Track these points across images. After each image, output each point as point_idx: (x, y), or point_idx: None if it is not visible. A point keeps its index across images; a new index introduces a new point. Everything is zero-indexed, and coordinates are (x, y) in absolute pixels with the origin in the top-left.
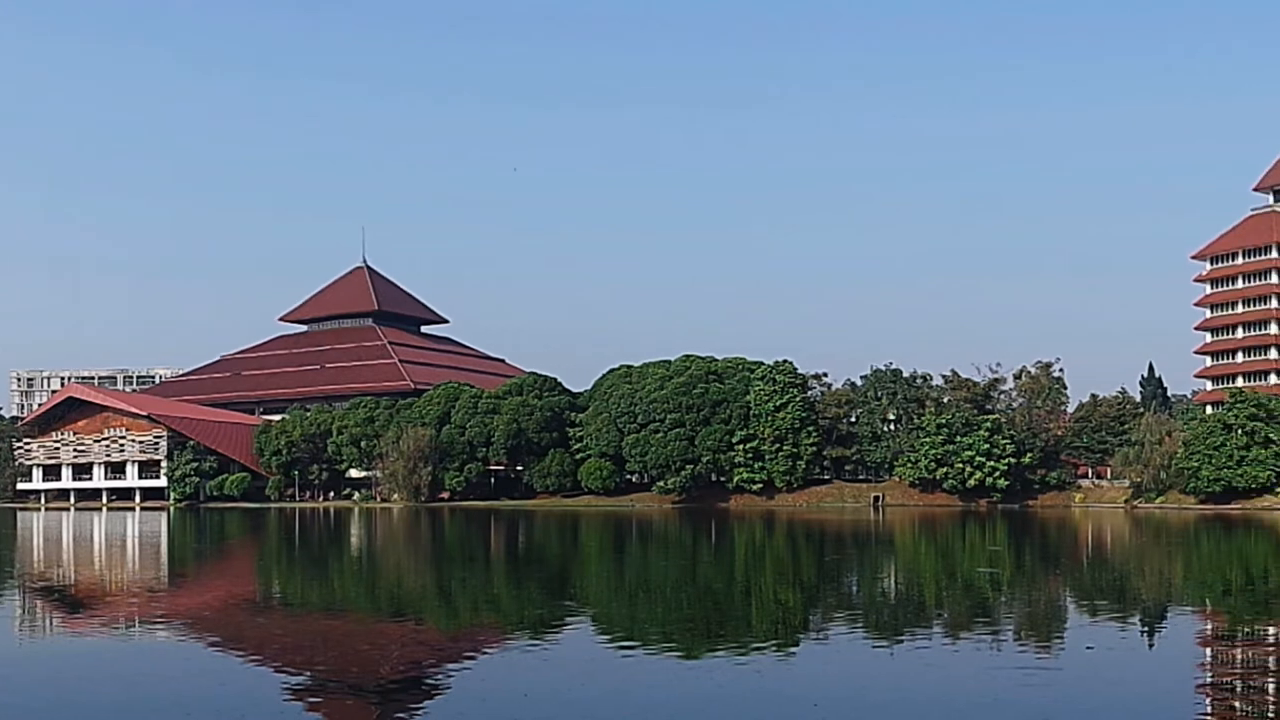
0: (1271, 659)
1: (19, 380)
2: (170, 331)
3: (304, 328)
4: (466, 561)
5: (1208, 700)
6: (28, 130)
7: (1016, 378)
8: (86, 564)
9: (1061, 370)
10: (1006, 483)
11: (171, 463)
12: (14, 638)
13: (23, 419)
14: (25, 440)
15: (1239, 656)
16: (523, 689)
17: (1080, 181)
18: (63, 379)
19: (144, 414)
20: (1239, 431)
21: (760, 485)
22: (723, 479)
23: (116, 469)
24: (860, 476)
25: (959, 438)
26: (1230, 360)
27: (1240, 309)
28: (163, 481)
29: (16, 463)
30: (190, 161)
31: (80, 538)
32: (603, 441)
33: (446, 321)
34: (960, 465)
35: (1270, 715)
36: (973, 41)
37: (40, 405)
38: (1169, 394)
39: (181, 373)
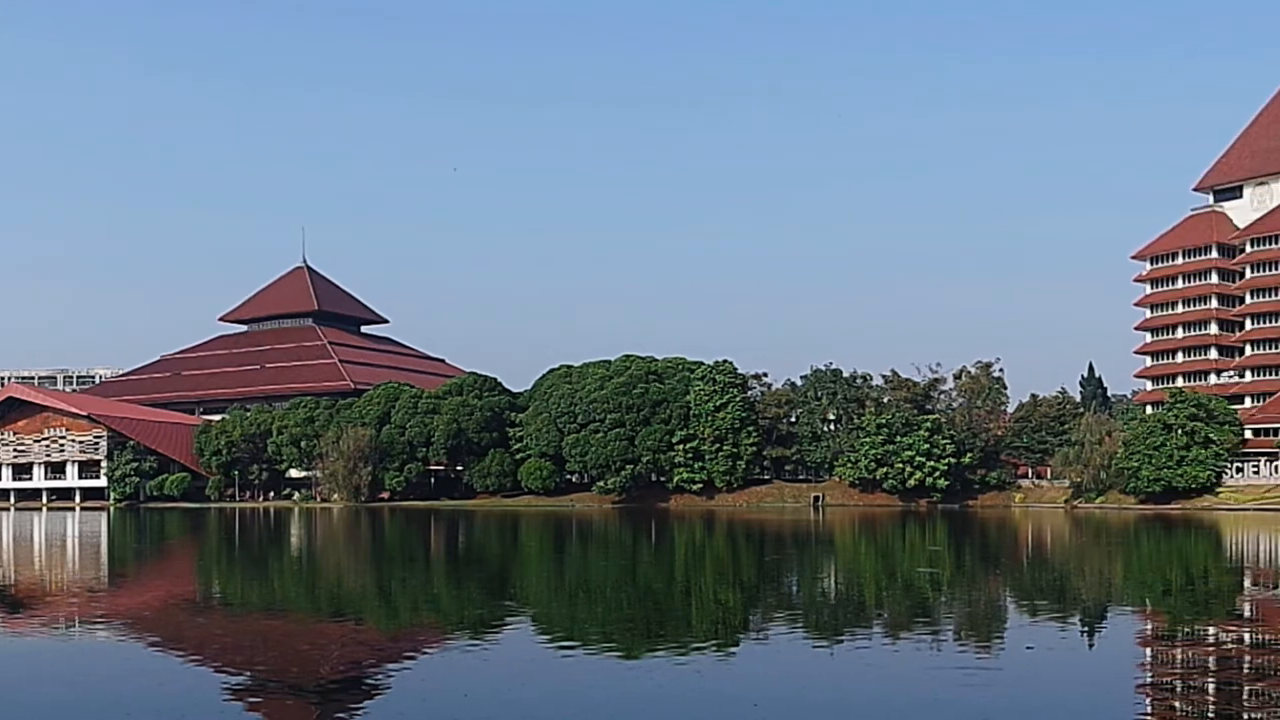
0: (1211, 659)
1: None
2: (110, 331)
3: (244, 328)
4: (406, 561)
5: (1148, 700)
6: None
7: (956, 378)
8: (26, 564)
9: (1001, 370)
10: (946, 483)
11: (111, 463)
12: None
13: None
14: None
15: (1179, 656)
16: (463, 689)
17: (1020, 181)
18: (2, 379)
19: (84, 414)
20: (1179, 431)
21: (700, 485)
22: (663, 479)
23: (56, 469)
24: (800, 476)
25: (899, 438)
26: (1170, 360)
27: (1180, 309)
28: (103, 482)
29: None
30: (129, 161)
31: (20, 538)
32: (543, 441)
33: (386, 321)
34: (900, 465)
35: (1210, 715)
36: (913, 42)
37: None
38: (1109, 394)
39: (122, 373)
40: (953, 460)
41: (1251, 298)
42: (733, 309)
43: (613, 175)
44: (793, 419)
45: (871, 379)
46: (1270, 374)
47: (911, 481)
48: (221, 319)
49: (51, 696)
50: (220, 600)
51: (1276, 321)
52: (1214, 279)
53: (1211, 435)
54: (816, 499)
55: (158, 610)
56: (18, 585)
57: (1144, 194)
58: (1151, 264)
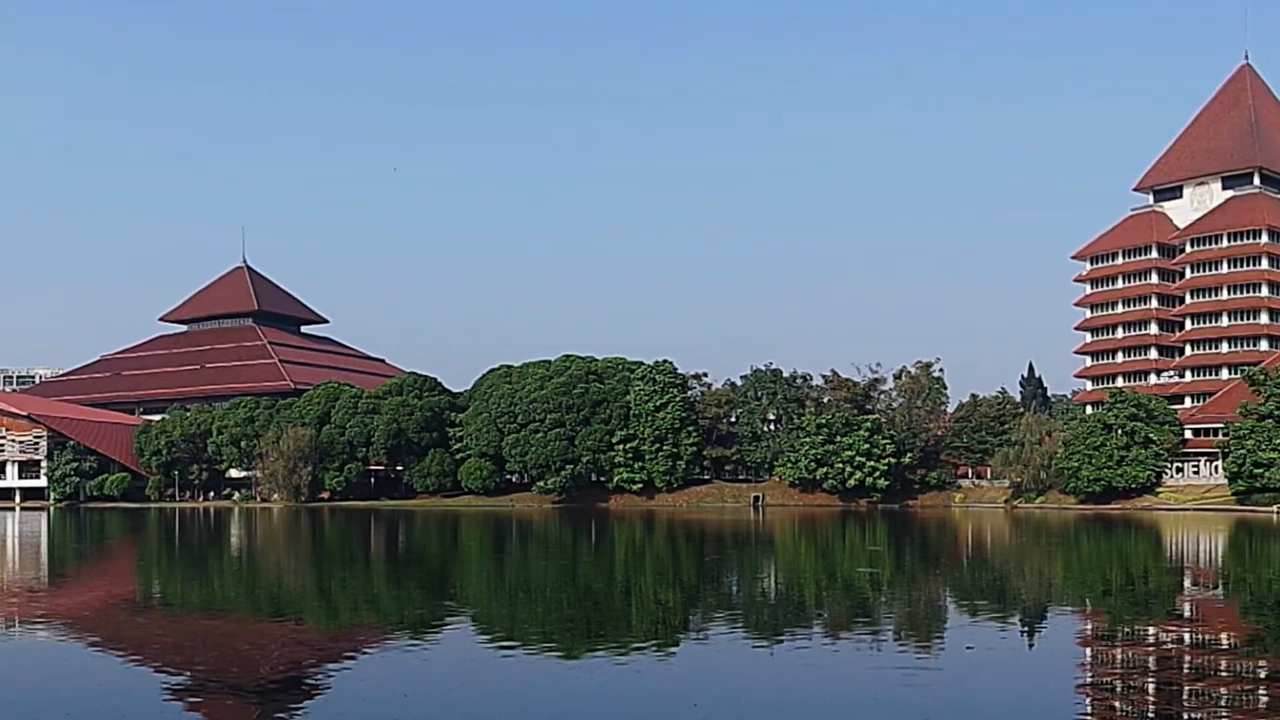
0: (1151, 659)
1: None
2: (50, 332)
3: (184, 328)
4: (346, 562)
5: (1088, 700)
6: None
7: (896, 378)
8: None
9: (941, 370)
10: (886, 483)
11: (51, 463)
12: None
13: None
14: None
15: (1119, 656)
16: (402, 689)
17: (961, 180)
18: None
19: (24, 414)
20: (1119, 431)
21: (640, 485)
22: (603, 479)
23: None
24: (740, 476)
25: (839, 438)
26: (1110, 360)
27: (1120, 309)
28: (43, 481)
29: None
30: (67, 161)
31: None
32: (483, 441)
33: (326, 321)
34: (840, 465)
35: (1150, 715)
36: (851, 41)
37: None
38: (1049, 394)
39: (61, 373)
40: (893, 460)
41: (1191, 298)
42: (673, 309)
43: (552, 175)
44: (733, 419)
45: (811, 379)
46: (1210, 374)
47: (851, 481)
48: (161, 319)
49: None
50: (160, 600)
51: (1216, 322)
52: (1154, 279)
53: (1151, 435)
54: (756, 499)
55: (98, 610)
56: None
57: (1084, 194)
58: (1091, 264)
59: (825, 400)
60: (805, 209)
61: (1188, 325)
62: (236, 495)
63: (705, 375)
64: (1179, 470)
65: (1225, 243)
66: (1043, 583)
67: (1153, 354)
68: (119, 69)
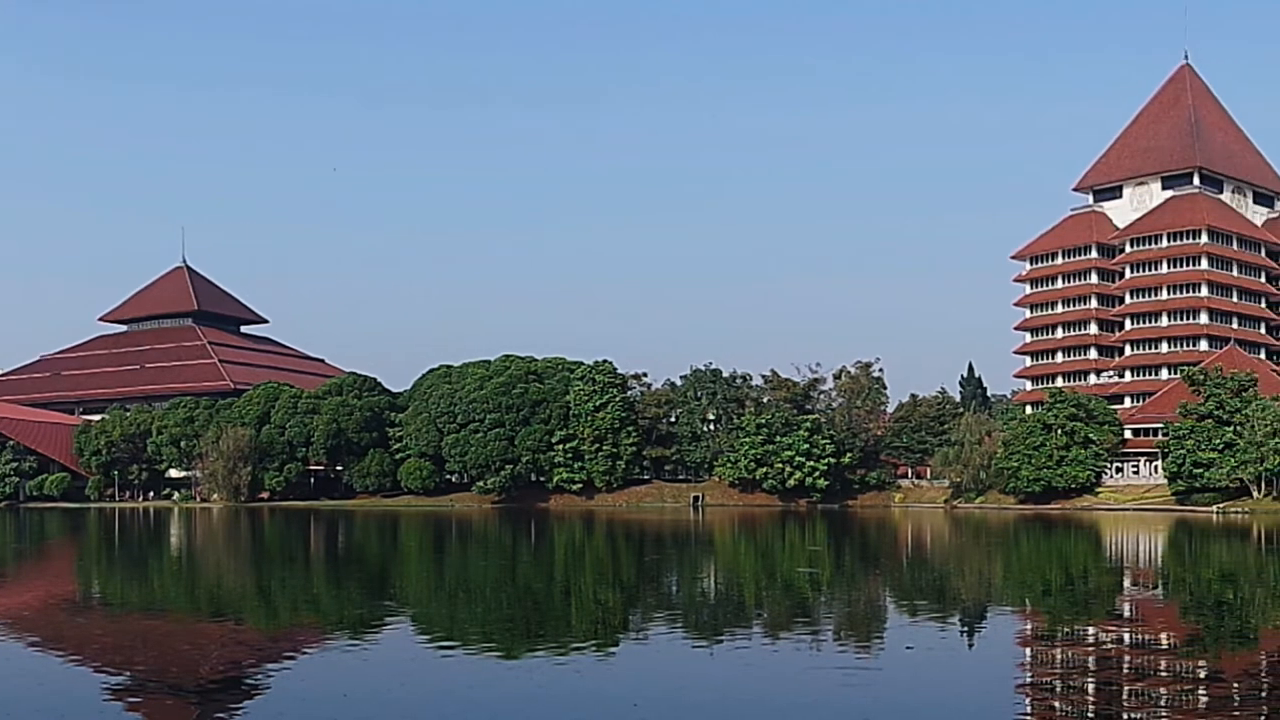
0: (1091, 659)
1: None
2: None
3: (124, 328)
4: (286, 561)
5: (1027, 700)
6: None
7: (836, 377)
8: None
9: (881, 370)
10: (826, 483)
11: None
12: None
13: None
14: None
15: (1059, 656)
16: (342, 689)
17: (900, 180)
18: None
19: None
20: (1058, 431)
21: (580, 485)
22: (542, 479)
23: None
24: (680, 476)
25: (779, 438)
26: (1050, 360)
27: (1060, 309)
28: None
29: None
30: (4, 160)
31: None
32: (422, 441)
33: (266, 321)
34: (780, 465)
35: (1089, 715)
36: (790, 40)
37: None
38: (988, 394)
39: (0, 373)
40: (832, 460)
41: (1131, 298)
42: (612, 309)
43: (492, 176)
44: (672, 419)
45: (751, 379)
46: (1149, 374)
47: (791, 481)
48: (101, 319)
49: None
50: (100, 600)
51: (1156, 322)
52: (1094, 279)
53: (1091, 435)
54: (696, 499)
55: (37, 610)
56: None
57: (1024, 194)
58: (1031, 264)
59: (765, 400)
60: (745, 209)
61: (1127, 325)
62: (176, 495)
63: (645, 375)
64: (1119, 470)
65: (1165, 243)
66: (982, 583)
67: (1092, 354)
68: (56, 67)
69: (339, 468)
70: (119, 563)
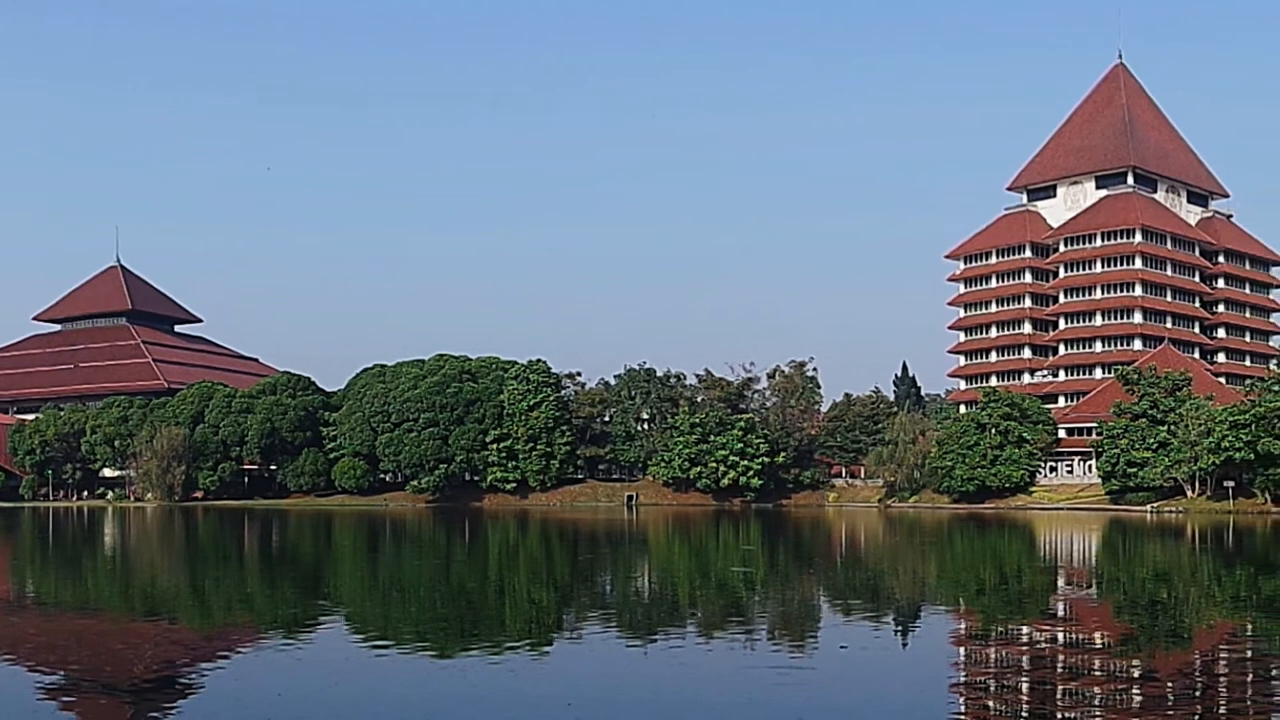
0: (1025, 658)
1: None
2: None
3: (58, 327)
4: (220, 561)
5: (961, 699)
6: None
7: (770, 377)
8: None
9: (815, 369)
10: (760, 482)
11: None
12: None
13: None
14: None
15: (992, 656)
16: (276, 688)
17: (833, 179)
18: None
19: None
20: (992, 431)
21: (514, 484)
22: (476, 478)
23: None
24: (614, 476)
25: (712, 437)
26: (984, 359)
27: (994, 308)
28: None
29: None
30: None
31: None
32: (356, 441)
33: (200, 321)
34: (714, 464)
35: (1023, 714)
36: (723, 39)
37: None
38: (922, 393)
39: None
40: (766, 459)
41: (1065, 297)
42: (546, 308)
43: (425, 174)
44: (606, 418)
45: (685, 378)
46: (1083, 373)
47: (725, 481)
48: (35, 318)
49: None
50: (34, 600)
51: (1090, 321)
52: (1027, 278)
53: (1025, 434)
54: (630, 498)
55: None
56: None
57: (958, 193)
58: (965, 263)
59: (699, 399)
60: (679, 208)
61: (1061, 324)
62: (111, 494)
63: (579, 374)
64: (1053, 469)
65: (1099, 242)
66: (916, 582)
67: (1026, 353)
68: None
69: (273, 467)
70: (53, 562)
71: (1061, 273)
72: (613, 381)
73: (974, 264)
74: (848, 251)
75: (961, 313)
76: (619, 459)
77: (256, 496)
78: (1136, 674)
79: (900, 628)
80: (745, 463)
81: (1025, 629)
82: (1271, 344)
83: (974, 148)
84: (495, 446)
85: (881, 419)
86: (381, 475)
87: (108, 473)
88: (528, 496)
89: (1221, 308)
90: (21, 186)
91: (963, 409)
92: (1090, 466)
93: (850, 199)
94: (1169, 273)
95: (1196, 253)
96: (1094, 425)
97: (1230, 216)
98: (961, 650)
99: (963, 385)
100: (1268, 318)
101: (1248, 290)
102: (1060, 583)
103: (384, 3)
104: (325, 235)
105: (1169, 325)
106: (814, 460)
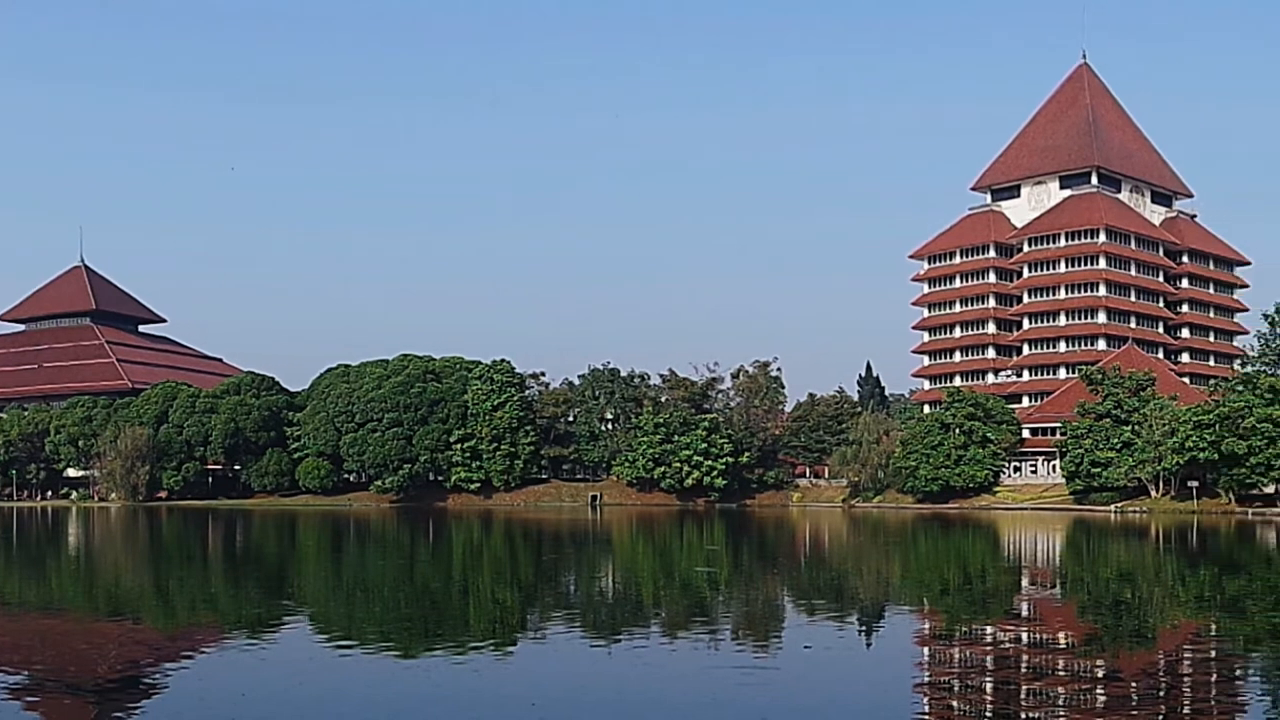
0: (989, 658)
1: None
2: None
3: (21, 327)
4: (184, 561)
5: (925, 699)
6: None
7: (734, 377)
8: None
9: (779, 369)
10: (724, 482)
11: None
12: None
13: None
14: None
15: (956, 656)
16: (240, 688)
17: (798, 179)
18: None
19: None
20: (956, 431)
21: (478, 484)
22: (440, 478)
23: None
24: (578, 476)
25: (676, 437)
26: (948, 359)
27: (958, 308)
28: None
29: None
30: None
31: None
32: (320, 441)
33: (164, 321)
34: (678, 465)
35: (987, 714)
36: (687, 39)
37: None
38: (887, 393)
39: None
40: (730, 459)
41: (1029, 297)
42: (510, 308)
43: (389, 174)
44: (570, 418)
45: (649, 378)
46: (1047, 373)
47: (689, 481)
48: None
49: None
50: None
51: (1054, 321)
52: (991, 278)
53: (989, 434)
54: (594, 498)
55: None
56: None
57: (922, 193)
58: (929, 263)
59: (663, 400)
60: (644, 208)
61: (1025, 324)
62: (74, 494)
63: (543, 374)
64: (1016, 469)
65: (1063, 242)
66: (880, 582)
67: (990, 353)
68: None
69: (237, 467)
70: (16, 562)
71: (1026, 273)
72: (577, 381)
73: (938, 264)
74: (812, 251)
75: (926, 313)
76: (583, 459)
77: (220, 496)
78: (1100, 674)
79: (864, 628)
80: (709, 463)
81: (989, 629)
82: (1235, 344)
83: (938, 148)
84: (459, 446)
85: (845, 419)
86: (346, 475)
87: (72, 473)
88: (492, 496)
89: (1185, 308)
90: None
91: (927, 409)
92: (1054, 466)
93: (814, 199)
94: (1133, 273)
95: (1160, 253)
96: (1058, 425)
97: (1194, 217)
98: (925, 650)
99: (927, 385)
100: (1231, 318)
101: (1212, 290)
102: (1024, 583)
103: (343, 5)
104: (290, 235)
105: (1133, 325)
106: (778, 460)
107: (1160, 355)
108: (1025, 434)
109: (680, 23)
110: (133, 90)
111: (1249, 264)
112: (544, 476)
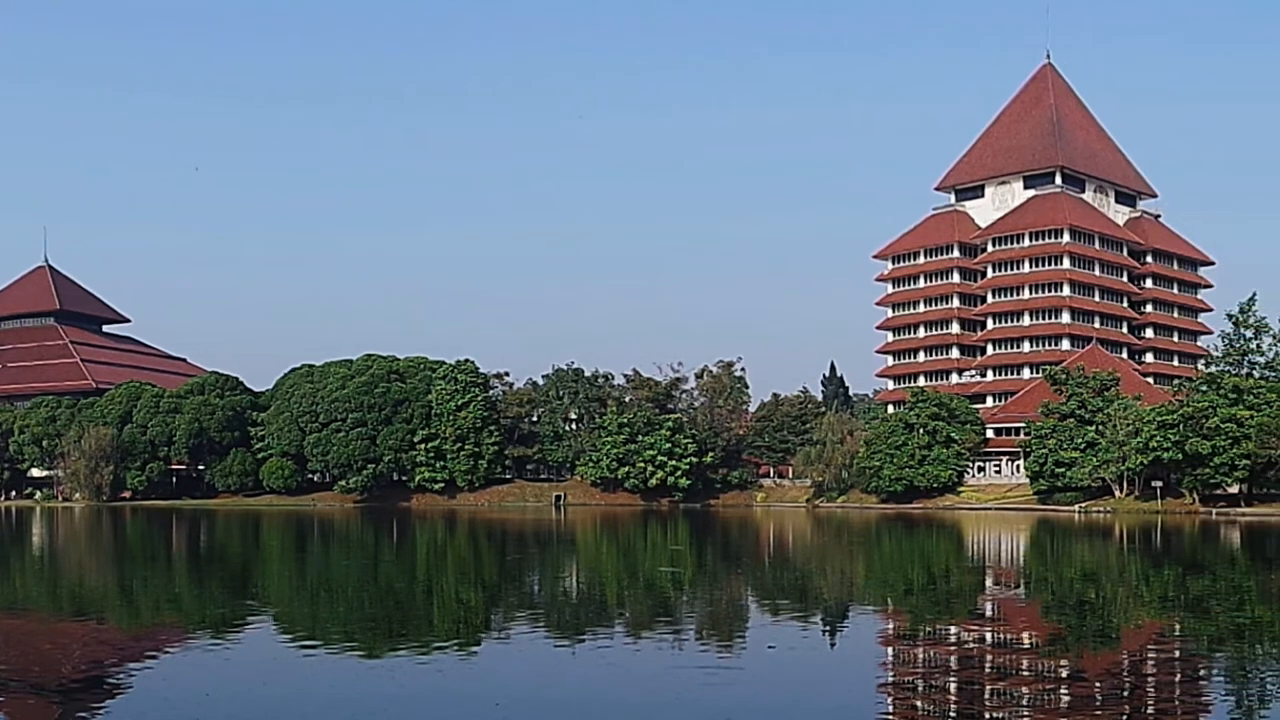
0: (953, 658)
1: None
2: None
3: None
4: (148, 561)
5: (889, 699)
6: None
7: (698, 377)
8: None
9: (743, 369)
10: (688, 482)
11: None
12: None
13: None
14: None
15: (920, 656)
16: (204, 688)
17: (762, 178)
18: None
19: None
20: (920, 431)
21: (442, 484)
22: (405, 478)
23: None
24: (542, 476)
25: (640, 437)
26: (912, 359)
27: (922, 308)
28: None
29: None
30: None
31: None
32: (284, 441)
33: (128, 321)
34: (642, 464)
35: (951, 714)
36: (657, 39)
37: None
38: (851, 393)
39: None
40: (694, 459)
41: (993, 297)
42: (474, 308)
43: (353, 174)
44: (534, 418)
45: (613, 378)
46: (1011, 373)
47: (653, 481)
48: None
49: None
50: None
51: (1018, 321)
52: (955, 278)
53: (953, 434)
54: (558, 498)
55: None
56: None
57: (886, 193)
58: (893, 263)
59: (627, 399)
60: (607, 207)
61: (989, 324)
62: (38, 494)
63: (507, 374)
64: (981, 469)
65: (1027, 242)
66: (844, 582)
67: (954, 353)
68: None
69: (201, 467)
70: None
71: (990, 273)
72: (541, 381)
73: (902, 264)
74: (776, 251)
75: (890, 313)
76: (547, 459)
77: (184, 497)
78: (1064, 674)
79: (828, 628)
80: (673, 463)
81: (953, 629)
82: (1199, 344)
83: (902, 147)
84: (423, 446)
85: (809, 419)
86: (309, 475)
87: (35, 473)
88: (455, 496)
89: (1150, 308)
90: None
91: (891, 409)
92: (1018, 466)
93: (778, 198)
94: (1097, 273)
95: (1124, 253)
96: (1022, 425)
97: (1158, 217)
98: (890, 650)
99: (891, 385)
100: (1195, 318)
101: (1176, 290)
102: (988, 583)
103: (306, 5)
104: (254, 235)
105: (1097, 325)
106: (742, 460)
107: (1124, 355)
108: (989, 434)
109: (639, 22)
110: (96, 89)
111: (1213, 264)
112: (508, 477)
